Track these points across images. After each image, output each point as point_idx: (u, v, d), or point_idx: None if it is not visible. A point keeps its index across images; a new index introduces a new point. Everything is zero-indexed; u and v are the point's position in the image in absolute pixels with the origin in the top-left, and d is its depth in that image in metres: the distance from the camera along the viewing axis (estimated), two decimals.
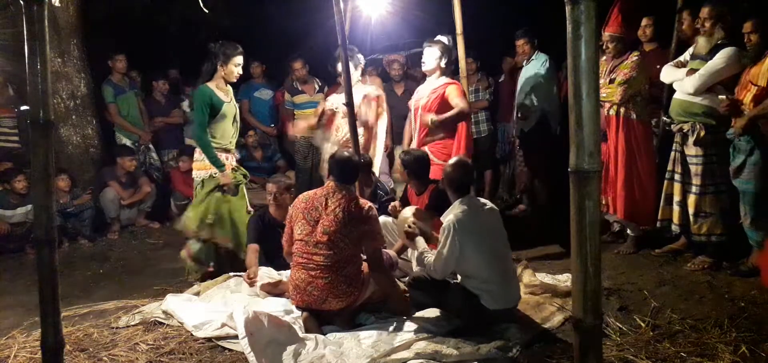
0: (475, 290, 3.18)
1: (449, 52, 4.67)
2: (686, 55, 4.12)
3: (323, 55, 6.80)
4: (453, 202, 3.30)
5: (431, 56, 4.61)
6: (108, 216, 6.05)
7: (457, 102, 4.51)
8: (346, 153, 3.59)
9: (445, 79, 4.67)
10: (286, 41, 7.54)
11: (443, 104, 4.55)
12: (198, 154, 4.35)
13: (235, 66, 4.30)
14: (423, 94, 4.70)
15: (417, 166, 4.10)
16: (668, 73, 4.14)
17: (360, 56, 4.97)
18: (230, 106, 4.36)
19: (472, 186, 3.44)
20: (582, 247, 1.68)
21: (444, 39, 4.71)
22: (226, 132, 4.36)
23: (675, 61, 4.21)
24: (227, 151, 4.41)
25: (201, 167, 4.33)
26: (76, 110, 6.41)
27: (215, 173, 4.26)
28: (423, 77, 7.34)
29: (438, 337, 3.09)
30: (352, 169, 3.48)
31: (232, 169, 4.39)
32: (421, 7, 6.37)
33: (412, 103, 4.83)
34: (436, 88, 4.61)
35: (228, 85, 4.38)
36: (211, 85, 4.27)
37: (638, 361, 2.76)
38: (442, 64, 4.65)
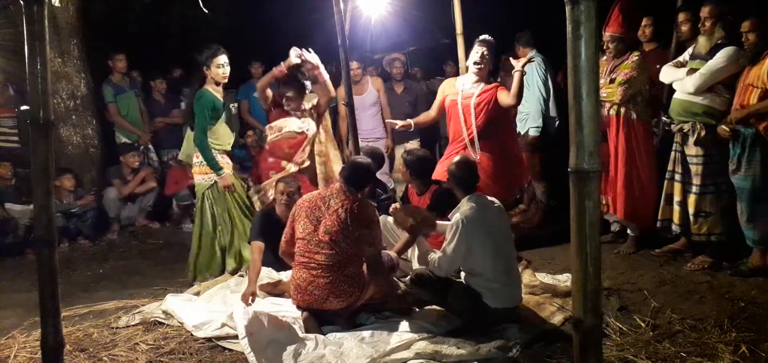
0: (478, 288, 3.18)
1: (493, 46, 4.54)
2: (685, 56, 4.12)
3: (323, 55, 6.82)
4: (460, 200, 3.30)
5: (487, 55, 4.43)
6: (109, 216, 6.05)
7: (509, 100, 4.38)
8: (364, 159, 3.59)
9: (490, 81, 4.57)
10: (286, 41, 7.53)
11: (495, 105, 4.42)
12: (197, 158, 4.35)
13: (219, 67, 4.27)
14: (472, 92, 4.48)
15: (420, 166, 4.07)
16: (668, 74, 4.14)
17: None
18: (227, 109, 4.41)
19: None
20: (582, 247, 1.68)
21: (489, 37, 4.53)
22: (226, 133, 4.40)
23: (674, 61, 4.21)
24: (227, 153, 4.44)
25: (201, 171, 4.35)
26: (76, 110, 6.41)
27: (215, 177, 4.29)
28: (424, 77, 7.39)
29: (438, 337, 3.09)
30: (362, 176, 3.46)
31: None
32: (421, 7, 6.37)
33: (459, 99, 4.53)
34: (488, 88, 4.44)
35: (219, 86, 4.36)
36: (208, 88, 4.29)
37: (638, 361, 2.76)
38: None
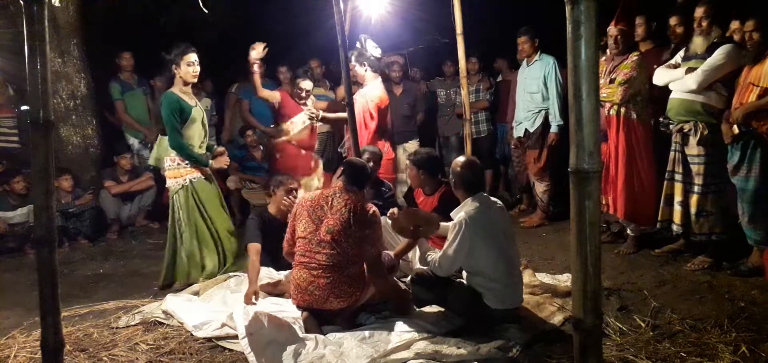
0: (480, 288, 3.18)
1: (361, 54, 5.08)
2: (677, 58, 4.12)
3: (323, 54, 6.83)
4: (463, 200, 3.28)
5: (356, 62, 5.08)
6: (108, 216, 6.05)
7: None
8: (360, 160, 3.62)
9: (376, 86, 5.14)
10: (287, 41, 7.54)
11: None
12: (170, 162, 4.27)
13: (189, 65, 4.18)
14: (365, 96, 5.11)
15: (430, 163, 4.04)
16: (663, 75, 4.12)
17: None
18: (197, 110, 4.28)
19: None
20: (582, 247, 1.68)
21: (357, 44, 5.10)
22: (197, 136, 4.29)
23: (667, 63, 4.20)
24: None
25: (175, 175, 4.26)
26: (76, 110, 6.42)
27: (194, 178, 4.23)
28: (422, 77, 7.43)
29: (438, 337, 3.09)
30: (363, 176, 3.50)
31: (207, 175, 4.32)
32: (421, 7, 6.37)
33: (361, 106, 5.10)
34: (373, 96, 5.08)
35: (188, 86, 4.26)
36: (175, 90, 4.21)
37: (638, 361, 2.76)
38: (363, 70, 5.08)
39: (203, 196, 4.30)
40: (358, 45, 5.06)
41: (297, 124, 5.17)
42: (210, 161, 4.29)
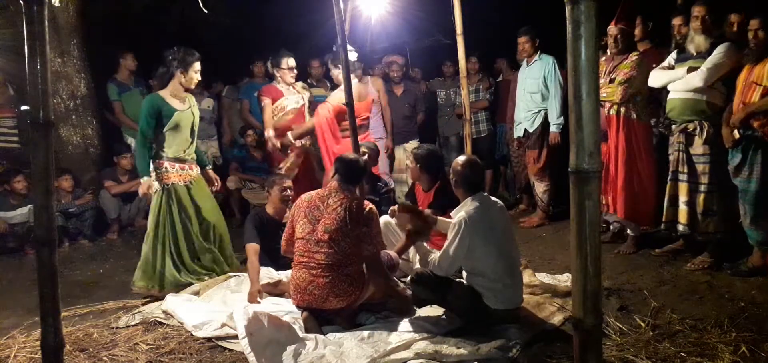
0: (480, 288, 3.17)
1: (337, 57, 5.04)
2: (670, 59, 4.11)
3: (324, 55, 6.84)
4: (463, 200, 3.28)
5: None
6: (108, 216, 6.05)
7: None
8: (352, 154, 3.60)
9: (340, 90, 5.07)
10: (287, 41, 7.54)
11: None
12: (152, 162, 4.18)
13: (195, 73, 4.15)
14: (329, 101, 5.16)
15: (428, 160, 4.06)
16: (660, 76, 4.09)
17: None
18: (186, 114, 4.17)
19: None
20: (582, 247, 1.68)
21: (334, 48, 5.10)
22: (180, 142, 4.19)
23: (660, 65, 4.19)
24: (182, 161, 4.23)
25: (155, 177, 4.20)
26: (76, 110, 6.42)
27: (172, 184, 4.15)
28: (422, 78, 7.43)
29: (438, 337, 3.09)
30: (357, 171, 3.48)
31: (187, 182, 4.24)
32: (421, 7, 6.38)
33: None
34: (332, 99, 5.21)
35: (186, 91, 4.21)
36: (164, 92, 4.13)
37: (638, 361, 2.76)
38: (338, 72, 5.08)
39: (185, 203, 4.21)
40: (334, 49, 5.03)
41: (290, 104, 5.22)
42: (144, 179, 4.12)
